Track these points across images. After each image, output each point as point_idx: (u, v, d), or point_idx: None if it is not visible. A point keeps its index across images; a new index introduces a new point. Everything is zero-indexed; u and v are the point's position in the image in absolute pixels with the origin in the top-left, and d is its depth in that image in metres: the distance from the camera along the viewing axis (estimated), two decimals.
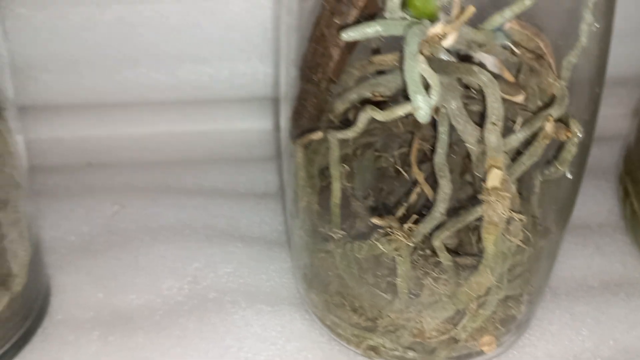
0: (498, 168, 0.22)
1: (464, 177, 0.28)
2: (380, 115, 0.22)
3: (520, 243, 0.25)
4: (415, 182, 0.32)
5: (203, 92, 0.46)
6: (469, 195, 0.27)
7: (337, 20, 0.25)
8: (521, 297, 0.28)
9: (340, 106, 0.27)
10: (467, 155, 0.27)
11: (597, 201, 0.41)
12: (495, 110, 0.22)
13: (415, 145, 0.28)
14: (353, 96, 0.27)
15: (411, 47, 0.21)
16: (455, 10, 0.23)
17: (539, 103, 0.26)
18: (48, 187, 0.41)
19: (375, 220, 0.24)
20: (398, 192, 0.32)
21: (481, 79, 0.22)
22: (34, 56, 0.43)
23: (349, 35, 0.22)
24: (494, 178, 0.22)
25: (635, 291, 0.34)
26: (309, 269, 0.30)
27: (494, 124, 0.22)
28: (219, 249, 0.36)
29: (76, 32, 0.41)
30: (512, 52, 0.26)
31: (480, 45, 0.26)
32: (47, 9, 0.41)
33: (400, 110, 0.21)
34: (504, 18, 0.24)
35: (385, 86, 0.26)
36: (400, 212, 0.28)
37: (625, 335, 0.32)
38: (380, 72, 0.26)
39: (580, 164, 0.25)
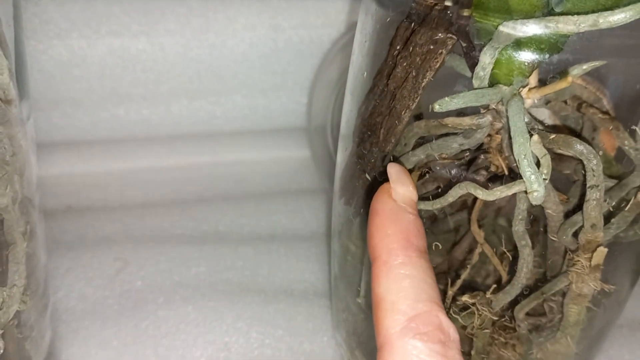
0: (602, 245, 0.21)
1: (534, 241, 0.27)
2: (485, 195, 0.20)
3: (592, 306, 0.25)
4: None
5: (200, 127, 0.43)
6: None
7: (410, 82, 0.23)
8: (585, 354, 0.28)
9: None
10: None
11: None
12: (600, 185, 0.21)
13: (479, 204, 0.27)
14: (419, 157, 0.25)
15: (519, 124, 0.20)
16: (534, 77, 0.23)
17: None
18: None
19: (466, 299, 0.23)
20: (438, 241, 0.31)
21: (583, 152, 0.21)
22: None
23: (443, 106, 0.21)
24: (600, 256, 0.21)
25: None
26: (364, 335, 0.28)
27: (598, 199, 0.21)
28: (244, 308, 0.33)
29: (63, 67, 0.37)
30: (578, 109, 0.25)
31: (547, 102, 0.25)
32: (30, 42, 0.36)
33: (509, 191, 0.20)
34: (573, 75, 0.24)
35: (456, 148, 0.24)
36: (465, 275, 0.26)
37: None
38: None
39: None
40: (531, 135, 0.20)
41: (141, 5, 0.38)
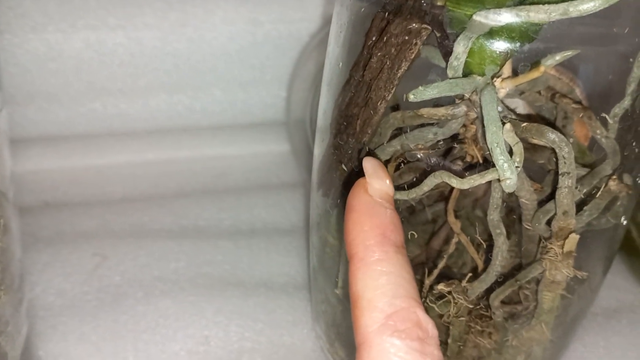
0: (574, 232, 0.21)
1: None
2: (459, 184, 0.20)
3: (566, 294, 0.25)
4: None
5: (178, 122, 0.43)
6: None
7: (386, 73, 0.23)
8: (560, 341, 0.28)
9: (381, 158, 0.26)
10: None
11: None
12: (571, 173, 0.21)
13: (455, 194, 0.27)
14: (395, 148, 0.25)
15: (492, 113, 0.20)
16: (507, 67, 0.23)
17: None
18: None
19: (442, 288, 0.23)
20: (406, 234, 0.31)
21: (555, 140, 0.21)
22: None
23: (418, 96, 0.21)
24: (571, 243, 0.21)
25: (636, 317, 0.36)
26: (342, 326, 0.28)
27: (569, 187, 0.21)
28: (224, 302, 0.33)
29: (39, 61, 0.37)
30: (551, 99, 0.26)
31: (521, 92, 0.25)
32: (5, 35, 0.36)
33: (483, 179, 0.20)
34: (546, 66, 0.24)
35: (431, 138, 0.25)
36: (442, 264, 0.27)
37: None
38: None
39: (628, 211, 0.25)
40: (504, 124, 0.20)
41: None
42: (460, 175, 0.23)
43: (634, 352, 0.33)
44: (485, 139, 0.20)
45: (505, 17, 0.20)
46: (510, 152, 0.20)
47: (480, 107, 0.21)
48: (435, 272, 0.27)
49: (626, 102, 0.24)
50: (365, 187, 0.20)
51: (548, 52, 0.23)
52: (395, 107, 0.26)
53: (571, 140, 0.26)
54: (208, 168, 0.44)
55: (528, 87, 0.25)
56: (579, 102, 0.25)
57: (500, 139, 0.19)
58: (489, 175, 0.20)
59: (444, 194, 0.30)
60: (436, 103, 0.24)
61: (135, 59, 0.39)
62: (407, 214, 0.31)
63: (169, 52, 0.39)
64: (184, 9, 0.39)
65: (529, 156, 0.26)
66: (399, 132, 0.26)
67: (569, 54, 0.23)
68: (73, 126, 0.41)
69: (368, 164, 0.21)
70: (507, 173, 0.19)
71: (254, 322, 0.32)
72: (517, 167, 0.20)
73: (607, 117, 0.24)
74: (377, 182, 0.20)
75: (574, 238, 0.21)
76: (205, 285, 0.34)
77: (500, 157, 0.19)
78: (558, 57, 0.23)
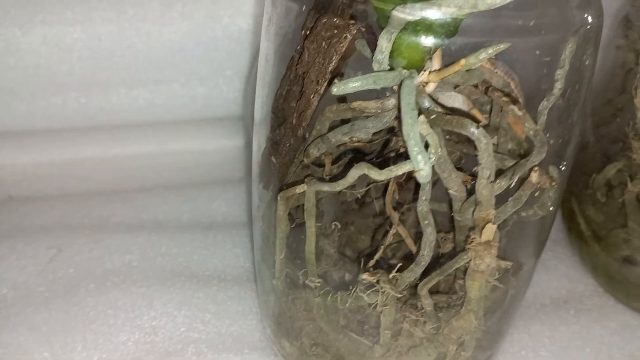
0: (491, 222, 0.22)
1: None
2: (378, 175, 0.21)
3: (497, 283, 0.26)
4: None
5: (139, 116, 0.43)
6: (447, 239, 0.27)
7: (317, 67, 0.24)
8: (494, 329, 0.29)
9: (315, 151, 0.26)
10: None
11: None
12: (488, 165, 0.22)
13: (392, 187, 0.27)
14: (330, 141, 0.26)
15: (409, 106, 0.20)
16: (436, 62, 0.23)
17: (510, 145, 0.27)
18: None
19: (366, 277, 0.24)
20: (364, 225, 0.32)
21: (474, 133, 0.22)
22: None
23: (340, 89, 0.21)
24: (489, 232, 0.22)
25: (584, 307, 0.36)
26: (283, 317, 0.29)
27: (487, 179, 0.22)
28: (174, 293, 0.33)
29: None
30: (485, 92, 0.26)
31: (455, 86, 0.26)
32: None
33: (399, 170, 0.20)
34: (479, 60, 0.24)
35: (365, 132, 0.25)
36: (378, 255, 0.27)
37: (581, 353, 0.33)
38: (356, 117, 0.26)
39: (556, 202, 0.26)
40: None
41: None
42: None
43: (578, 342, 0.34)
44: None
45: (420, 11, 0.20)
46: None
47: (399, 100, 0.21)
48: (371, 262, 0.27)
49: (554, 95, 0.25)
50: None
51: (482, 46, 0.23)
52: (343, 99, 0.27)
53: (505, 132, 0.27)
54: (170, 162, 0.45)
55: (462, 80, 0.25)
56: (509, 95, 0.25)
57: (415, 130, 0.20)
58: (405, 167, 0.21)
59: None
60: (378, 96, 0.25)
61: (94, 53, 0.39)
62: (357, 205, 0.32)
63: (128, 46, 0.40)
64: (142, 3, 0.39)
65: (464, 148, 0.27)
66: (337, 124, 0.26)
67: (501, 47, 0.23)
68: (34, 121, 0.42)
69: None
70: (421, 164, 0.20)
71: (202, 313, 0.32)
72: (430, 158, 0.20)
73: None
74: None
75: (491, 228, 0.22)
76: (157, 277, 0.34)
77: (414, 149, 0.20)
78: (491, 51, 0.24)
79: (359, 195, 0.30)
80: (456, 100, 0.27)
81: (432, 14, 0.20)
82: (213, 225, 0.40)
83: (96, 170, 0.43)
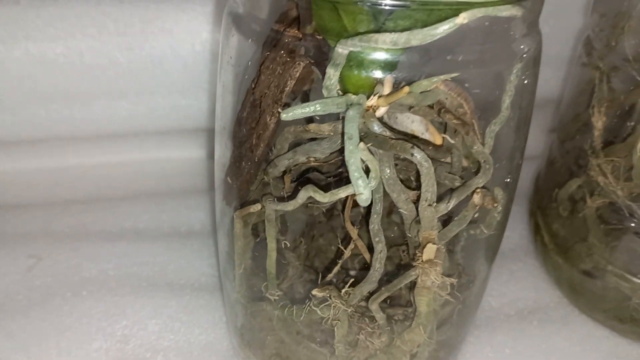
0: (433, 242, 0.23)
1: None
2: (322, 197, 0.22)
3: (448, 297, 0.27)
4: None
5: (121, 127, 0.44)
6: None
7: (273, 91, 0.25)
8: (449, 341, 0.30)
9: (275, 171, 0.27)
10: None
11: (509, 226, 0.44)
12: (430, 188, 0.23)
13: (349, 203, 0.28)
14: (288, 161, 0.27)
15: (351, 133, 0.21)
16: (386, 88, 0.24)
17: (464, 163, 0.28)
18: None
19: (316, 292, 0.25)
20: (333, 237, 0.33)
21: (416, 158, 0.23)
22: None
23: (288, 115, 0.22)
24: (429, 252, 0.23)
25: (547, 318, 0.37)
26: (246, 328, 0.30)
27: (428, 201, 0.23)
28: (147, 302, 0.35)
29: None
30: (438, 113, 0.27)
31: (410, 107, 0.27)
32: None
33: (342, 193, 0.22)
34: (432, 83, 0.25)
35: (320, 152, 0.26)
36: (336, 269, 0.28)
37: None
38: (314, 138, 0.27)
39: (503, 220, 0.27)
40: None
41: (56, 10, 0.39)
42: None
43: (540, 354, 0.35)
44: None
45: (358, 47, 0.21)
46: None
47: (342, 127, 0.22)
48: (329, 276, 0.28)
49: (500, 120, 0.26)
50: None
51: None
52: (311, 120, 0.28)
53: (458, 152, 0.28)
54: (152, 171, 0.46)
55: (416, 102, 0.26)
56: (459, 118, 0.26)
57: (356, 157, 0.21)
58: (348, 190, 0.22)
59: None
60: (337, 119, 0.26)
61: (76, 67, 0.41)
62: (324, 218, 0.33)
63: (109, 60, 0.41)
64: (123, 19, 0.40)
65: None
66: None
67: (450, 76, 0.25)
68: (18, 131, 0.43)
69: None
70: (361, 189, 0.21)
71: (173, 321, 0.33)
72: (369, 183, 0.21)
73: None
74: None
75: (432, 248, 0.23)
76: (132, 286, 0.35)
77: (354, 174, 0.21)
78: (442, 77, 0.25)
79: (324, 210, 0.32)
80: (415, 121, 0.28)
81: (370, 49, 0.21)
82: (191, 234, 0.41)
83: (79, 178, 0.44)
